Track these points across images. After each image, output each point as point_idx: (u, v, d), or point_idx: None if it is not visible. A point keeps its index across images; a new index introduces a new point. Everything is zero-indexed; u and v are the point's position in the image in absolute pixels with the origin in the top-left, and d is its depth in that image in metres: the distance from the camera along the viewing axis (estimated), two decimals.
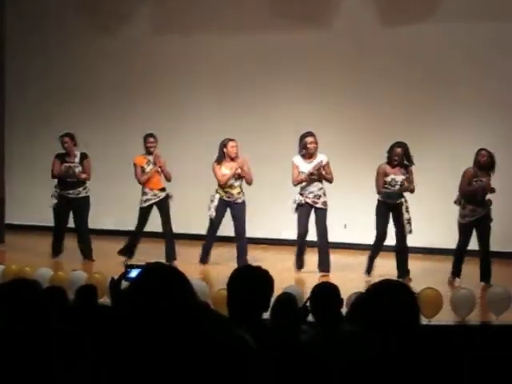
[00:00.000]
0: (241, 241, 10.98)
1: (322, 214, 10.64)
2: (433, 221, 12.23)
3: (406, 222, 10.31)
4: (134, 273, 4.35)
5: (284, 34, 13.17)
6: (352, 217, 12.50)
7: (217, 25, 13.60)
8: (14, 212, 13.64)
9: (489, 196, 10.12)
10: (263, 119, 13.28)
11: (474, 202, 10.05)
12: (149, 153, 11.22)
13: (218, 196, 10.94)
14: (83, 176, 11.36)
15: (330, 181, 10.72)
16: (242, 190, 10.99)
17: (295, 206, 10.65)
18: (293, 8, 13.22)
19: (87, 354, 3.53)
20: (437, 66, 12.53)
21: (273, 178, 12.32)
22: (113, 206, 13.61)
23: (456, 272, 10.16)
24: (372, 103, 12.79)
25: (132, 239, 11.27)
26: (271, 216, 12.73)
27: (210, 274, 10.37)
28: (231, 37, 13.51)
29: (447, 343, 7.30)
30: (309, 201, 10.59)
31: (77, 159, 11.43)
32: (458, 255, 10.19)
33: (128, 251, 11.16)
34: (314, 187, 10.63)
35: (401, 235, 10.35)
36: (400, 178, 10.34)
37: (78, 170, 11.39)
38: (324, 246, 10.69)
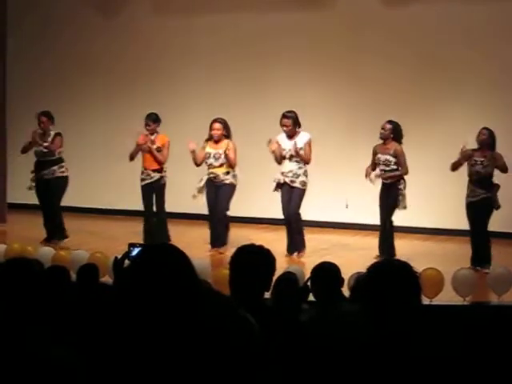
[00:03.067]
0: (218, 224, 10.76)
1: (296, 194, 10.51)
2: (434, 201, 12.24)
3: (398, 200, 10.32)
4: (136, 251, 4.35)
5: (284, 14, 13.12)
6: (353, 197, 12.48)
7: (216, 4, 13.54)
8: (16, 191, 13.62)
9: (499, 181, 10.00)
10: (262, 98, 13.22)
11: (471, 181, 9.96)
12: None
13: (206, 177, 10.83)
14: (46, 146, 11.10)
15: (305, 162, 10.55)
16: (231, 172, 10.78)
17: (275, 184, 10.59)
18: None
19: (86, 333, 3.53)
20: (436, 47, 12.47)
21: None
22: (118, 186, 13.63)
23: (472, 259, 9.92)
24: (371, 84, 12.73)
25: (145, 223, 11.19)
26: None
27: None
28: (230, 16, 13.46)
29: (448, 323, 7.32)
30: (287, 180, 10.50)
31: (50, 139, 11.22)
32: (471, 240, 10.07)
33: (147, 235, 11.00)
34: (294, 166, 10.53)
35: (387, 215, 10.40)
36: (383, 157, 10.35)
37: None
38: (295, 226, 10.54)
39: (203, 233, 11.06)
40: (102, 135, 13.93)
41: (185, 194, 12.11)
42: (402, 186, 10.34)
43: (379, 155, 10.42)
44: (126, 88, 13.96)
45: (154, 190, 11.15)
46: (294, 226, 10.55)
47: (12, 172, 13.45)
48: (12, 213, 13.17)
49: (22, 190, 13.58)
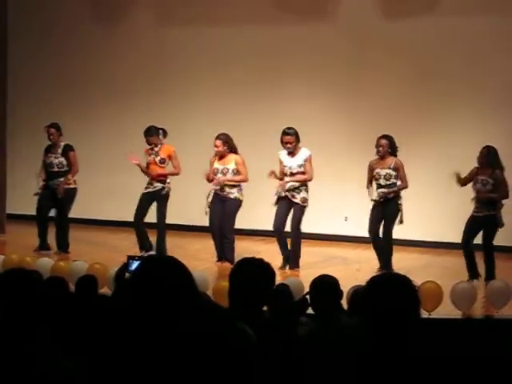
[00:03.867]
0: (225, 239, 10.73)
1: (297, 210, 10.47)
2: (433, 214, 12.25)
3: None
4: (135, 264, 4.33)
5: (285, 27, 13.15)
6: (353, 210, 12.49)
7: (217, 17, 13.57)
8: (16, 202, 13.63)
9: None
10: (263, 111, 13.25)
11: (478, 201, 9.89)
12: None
13: (212, 191, 10.83)
14: (69, 177, 11.25)
15: (306, 180, 10.52)
16: (235, 186, 10.77)
17: (276, 198, 10.57)
18: (294, 1, 13.22)
19: (86, 344, 3.53)
20: (437, 61, 12.50)
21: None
22: (116, 197, 13.63)
23: (470, 274, 9.81)
24: (371, 98, 12.74)
25: (135, 230, 11.20)
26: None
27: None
28: (232, 29, 13.48)
29: (447, 337, 7.30)
30: (288, 194, 10.47)
31: (60, 150, 11.32)
32: (464, 253, 9.94)
33: (140, 245, 11.05)
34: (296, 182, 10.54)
35: (383, 229, 10.37)
36: (384, 171, 10.32)
37: (58, 160, 11.28)
38: (293, 243, 10.51)
39: (205, 244, 11.06)
40: (104, 145, 13.92)
41: (187, 205, 12.13)
42: (401, 202, 10.34)
43: (378, 170, 10.38)
44: (128, 98, 13.96)
45: (154, 200, 11.14)
46: (294, 243, 10.50)
47: (11, 182, 13.45)
48: (11, 223, 13.16)
49: (21, 201, 13.62)
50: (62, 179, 11.25)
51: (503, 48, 12.25)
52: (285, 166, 10.55)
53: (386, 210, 10.32)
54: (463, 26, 12.39)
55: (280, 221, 10.54)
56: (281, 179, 10.59)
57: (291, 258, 10.45)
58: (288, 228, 10.60)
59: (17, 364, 2.65)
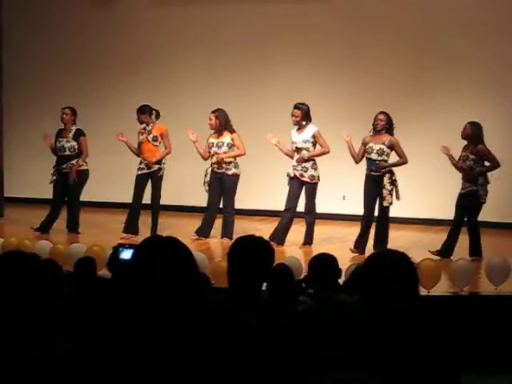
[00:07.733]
0: (226, 214, 10.85)
1: (308, 188, 10.56)
2: (431, 191, 12.25)
3: (387, 193, 10.16)
4: (125, 253, 4.25)
5: (283, 7, 13.12)
6: (351, 189, 12.48)
7: None
8: (13, 185, 13.62)
9: (490, 177, 9.95)
10: (261, 91, 13.25)
11: (463, 176, 9.97)
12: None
13: (209, 169, 10.89)
14: (80, 162, 11.29)
15: (324, 153, 10.65)
16: (232, 162, 10.84)
17: (288, 179, 10.64)
18: None
19: (86, 327, 3.53)
20: (434, 38, 12.50)
21: (271, 150, 12.21)
22: (113, 179, 13.62)
23: (445, 250, 9.88)
24: (370, 76, 12.75)
25: (130, 211, 11.16)
26: (271, 188, 12.71)
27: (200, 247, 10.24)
28: (229, 9, 13.45)
29: (446, 314, 7.33)
30: (297, 173, 10.54)
31: (71, 134, 11.38)
32: (450, 229, 10.03)
33: (129, 226, 11.02)
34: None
35: (379, 207, 10.25)
36: (377, 146, 10.23)
37: (70, 144, 11.31)
38: (308, 221, 10.60)
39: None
40: (103, 128, 13.80)
41: (181, 186, 12.12)
42: (395, 177, 10.27)
43: (371, 144, 10.28)
44: (125, 81, 13.95)
45: (149, 181, 11.14)
46: (310, 221, 10.57)
47: (8, 166, 13.43)
48: (8, 206, 13.16)
49: (17, 184, 13.60)
50: (73, 162, 11.28)
51: (500, 23, 12.22)
52: (293, 142, 10.65)
53: (380, 186, 10.23)
54: (459, 2, 12.36)
55: (292, 200, 10.58)
56: (292, 157, 10.65)
57: (307, 234, 10.55)
58: (300, 208, 10.68)
59: (16, 348, 2.64)
